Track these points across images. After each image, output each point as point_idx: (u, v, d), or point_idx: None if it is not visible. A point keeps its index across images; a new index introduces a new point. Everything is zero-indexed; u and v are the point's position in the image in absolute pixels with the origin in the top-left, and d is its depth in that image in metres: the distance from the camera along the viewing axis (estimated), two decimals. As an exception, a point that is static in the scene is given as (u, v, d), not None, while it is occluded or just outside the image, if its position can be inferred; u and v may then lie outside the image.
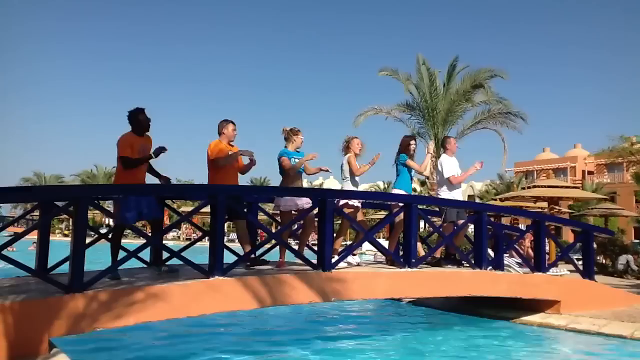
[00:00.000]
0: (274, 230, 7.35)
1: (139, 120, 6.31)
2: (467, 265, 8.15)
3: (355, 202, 7.74)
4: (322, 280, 6.52)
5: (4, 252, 5.26)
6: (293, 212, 7.13)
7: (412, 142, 8.27)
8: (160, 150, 6.26)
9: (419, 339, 7.66)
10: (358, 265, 7.86)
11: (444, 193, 8.33)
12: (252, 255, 7.05)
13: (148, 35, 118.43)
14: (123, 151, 6.12)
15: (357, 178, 7.80)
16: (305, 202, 7.03)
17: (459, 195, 8.47)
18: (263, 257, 7.46)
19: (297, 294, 6.29)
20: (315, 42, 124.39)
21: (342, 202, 7.45)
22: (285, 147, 7.28)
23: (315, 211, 7.07)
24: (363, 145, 7.92)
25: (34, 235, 6.79)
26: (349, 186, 7.75)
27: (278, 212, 7.29)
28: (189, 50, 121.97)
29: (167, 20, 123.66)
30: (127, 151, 6.12)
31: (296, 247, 7.13)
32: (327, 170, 7.62)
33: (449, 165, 8.36)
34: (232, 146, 7.01)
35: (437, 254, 8.39)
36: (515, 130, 21.26)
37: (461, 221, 8.24)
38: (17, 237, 5.92)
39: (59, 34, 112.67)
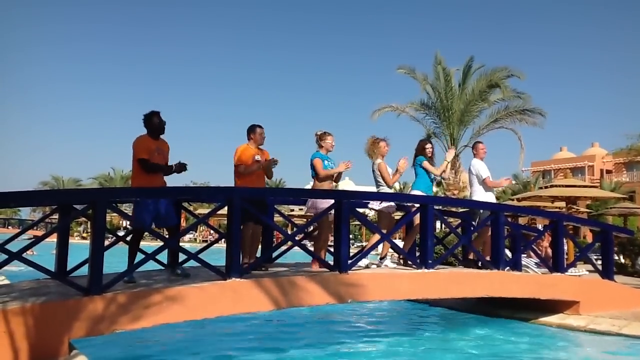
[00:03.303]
0: (289, 232, 7.36)
1: (153, 123, 6.33)
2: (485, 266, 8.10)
3: (380, 204, 7.82)
4: (338, 281, 6.51)
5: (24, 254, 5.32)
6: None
7: (428, 145, 8.41)
8: (182, 167, 6.43)
9: (435, 339, 7.62)
10: (385, 266, 7.83)
11: (479, 194, 8.52)
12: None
13: (166, 39, 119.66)
14: (140, 153, 6.14)
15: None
16: (327, 203, 7.06)
17: (492, 197, 8.67)
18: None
19: (313, 295, 6.29)
20: (331, 43, 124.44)
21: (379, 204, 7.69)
22: (317, 150, 7.43)
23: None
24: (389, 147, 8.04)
25: (54, 239, 6.87)
26: (385, 191, 7.89)
27: (308, 213, 7.38)
28: (205, 54, 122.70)
29: (182, 23, 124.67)
30: (145, 154, 6.15)
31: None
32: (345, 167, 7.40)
33: (484, 167, 8.60)
34: (261, 150, 7.14)
35: (470, 256, 8.59)
36: (533, 127, 21.17)
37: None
38: (37, 240, 5.99)
39: (79, 37, 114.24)
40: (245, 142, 7.11)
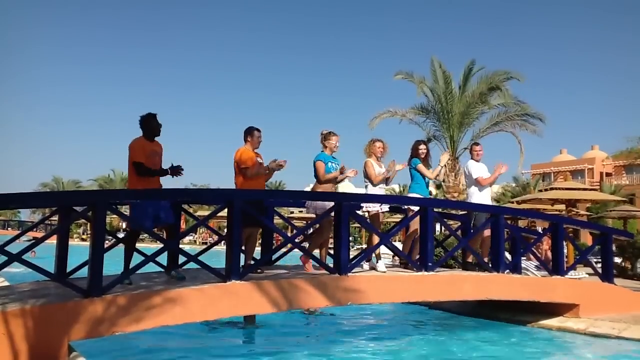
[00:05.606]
0: (289, 235, 7.35)
1: (150, 125, 6.35)
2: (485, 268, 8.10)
3: (377, 207, 7.71)
4: (337, 284, 6.51)
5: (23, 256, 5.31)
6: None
7: (422, 146, 8.38)
8: (177, 171, 6.38)
9: (435, 343, 7.61)
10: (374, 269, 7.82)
11: (475, 195, 8.51)
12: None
13: (166, 41, 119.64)
14: (136, 156, 6.15)
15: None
16: (328, 203, 7.06)
17: (488, 195, 8.70)
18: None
19: (313, 298, 6.30)
20: (330, 47, 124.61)
21: (364, 206, 7.57)
22: (322, 151, 7.38)
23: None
24: (385, 148, 7.94)
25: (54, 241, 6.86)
26: (371, 191, 7.75)
27: (308, 215, 7.34)
28: (206, 56, 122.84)
29: (182, 26, 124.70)
30: (141, 157, 6.16)
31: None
32: (353, 174, 7.52)
33: (476, 168, 8.63)
34: (257, 153, 7.18)
35: (469, 258, 8.54)
36: (532, 133, 21.06)
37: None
38: (36, 242, 5.99)
39: (80, 39, 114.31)
40: (242, 144, 7.16)
